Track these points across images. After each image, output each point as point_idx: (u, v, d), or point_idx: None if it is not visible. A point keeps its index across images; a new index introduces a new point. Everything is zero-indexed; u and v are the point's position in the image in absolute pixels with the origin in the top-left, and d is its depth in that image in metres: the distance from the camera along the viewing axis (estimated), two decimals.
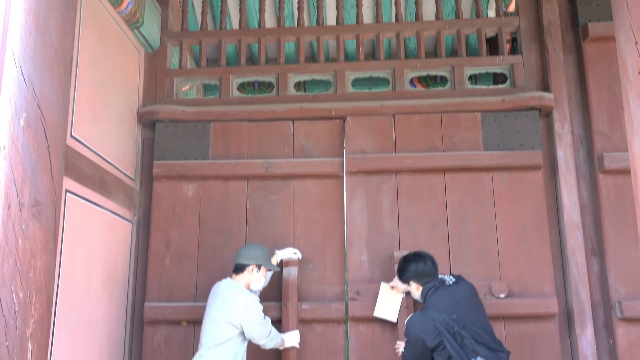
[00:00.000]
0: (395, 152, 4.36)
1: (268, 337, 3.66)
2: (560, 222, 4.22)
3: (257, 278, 3.75)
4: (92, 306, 3.83)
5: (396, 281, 3.87)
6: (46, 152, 3.07)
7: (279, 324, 4.02)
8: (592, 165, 4.26)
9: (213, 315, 3.59)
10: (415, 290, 3.64)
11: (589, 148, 4.29)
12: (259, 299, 3.69)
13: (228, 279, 3.75)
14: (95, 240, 3.91)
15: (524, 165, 4.25)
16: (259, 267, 3.74)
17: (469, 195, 4.24)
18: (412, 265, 3.63)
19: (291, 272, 4.10)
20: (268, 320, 3.68)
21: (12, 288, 2.80)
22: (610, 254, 4.04)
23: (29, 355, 2.87)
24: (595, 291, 4.09)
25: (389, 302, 3.97)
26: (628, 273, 3.95)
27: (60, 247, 3.43)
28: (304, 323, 4.13)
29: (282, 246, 4.22)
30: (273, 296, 4.12)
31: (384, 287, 4.00)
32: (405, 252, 3.92)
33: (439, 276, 3.59)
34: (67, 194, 3.55)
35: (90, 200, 3.84)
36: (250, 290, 3.76)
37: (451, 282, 3.50)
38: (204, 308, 3.77)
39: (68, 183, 3.52)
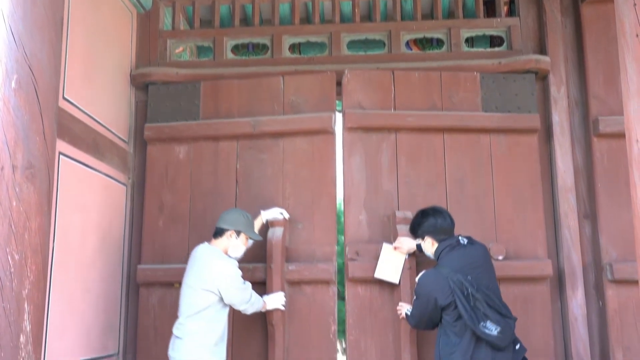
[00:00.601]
0: (395, 109, 4.25)
1: (248, 302, 3.56)
2: (554, 186, 4.24)
3: (235, 244, 3.60)
4: (87, 268, 3.85)
5: (400, 241, 3.77)
6: (38, 114, 3.04)
7: (264, 286, 3.95)
8: (587, 129, 4.26)
9: (190, 281, 3.49)
10: (430, 246, 3.46)
11: (584, 112, 4.29)
12: (237, 263, 3.57)
13: (205, 243, 3.64)
14: (89, 203, 3.91)
15: (522, 129, 4.23)
16: (238, 233, 3.59)
17: (467, 157, 4.21)
18: (430, 220, 3.45)
19: (276, 233, 3.97)
20: (248, 285, 3.57)
21: (7, 250, 2.80)
22: (602, 217, 4.07)
23: (26, 316, 2.90)
24: (587, 254, 4.13)
25: (391, 263, 3.85)
26: (619, 236, 3.99)
27: (54, 209, 3.43)
28: (292, 285, 4.05)
29: (271, 206, 4.11)
30: (260, 257, 4.03)
31: (387, 247, 3.87)
32: (406, 212, 3.86)
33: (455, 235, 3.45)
34: (61, 156, 3.54)
35: (84, 163, 3.83)
36: (229, 256, 3.61)
37: (465, 243, 3.37)
38: None
39: (61, 145, 3.50)
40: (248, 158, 4.31)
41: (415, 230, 3.55)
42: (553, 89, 4.31)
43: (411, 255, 3.82)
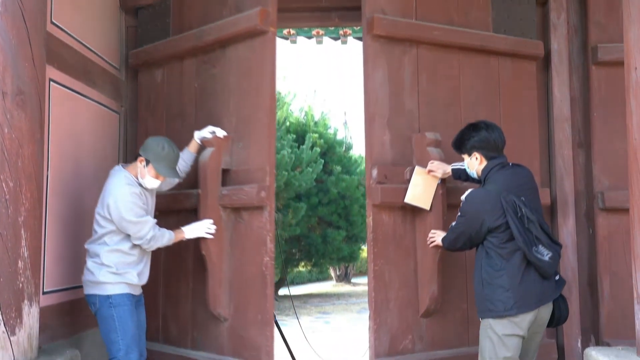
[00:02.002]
0: (416, 19, 3.86)
1: (144, 239, 3.28)
2: (550, 115, 4.22)
3: (143, 174, 3.32)
4: (82, 196, 3.86)
5: (434, 165, 3.49)
6: (26, 39, 2.97)
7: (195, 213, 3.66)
8: (585, 57, 4.20)
9: (97, 206, 3.34)
10: (476, 164, 3.14)
11: (583, 39, 4.21)
12: (138, 193, 3.29)
13: (119, 165, 3.44)
14: (82, 131, 3.88)
15: (526, 55, 4.14)
16: (147, 162, 3.30)
17: (479, 79, 4.03)
18: (483, 133, 3.10)
19: (205, 154, 3.63)
20: (147, 219, 3.28)
21: (2, 177, 2.80)
22: (596, 146, 4.08)
23: (23, 243, 2.93)
24: (579, 183, 4.17)
25: (423, 187, 3.54)
26: (613, 165, 4.01)
27: (47, 137, 3.41)
28: (227, 211, 3.69)
29: (219, 126, 3.72)
30: (194, 183, 3.74)
31: (419, 171, 3.54)
32: (436, 134, 3.63)
33: None
34: (51, 83, 3.48)
35: (75, 90, 3.78)
36: (144, 185, 3.36)
37: (512, 164, 3.12)
38: None
39: (51, 72, 3.44)
40: (203, 74, 3.99)
41: (463, 144, 3.17)
42: (553, 15, 4.21)
43: (443, 180, 3.57)
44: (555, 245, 3.00)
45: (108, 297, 3.25)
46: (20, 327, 2.90)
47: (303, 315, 9.89)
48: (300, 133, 12.07)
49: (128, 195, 3.23)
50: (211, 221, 3.55)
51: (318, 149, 11.47)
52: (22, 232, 2.93)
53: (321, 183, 12.01)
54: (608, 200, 3.96)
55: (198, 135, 3.66)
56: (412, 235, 3.70)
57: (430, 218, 3.56)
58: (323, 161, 11.70)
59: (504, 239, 2.94)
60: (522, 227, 2.89)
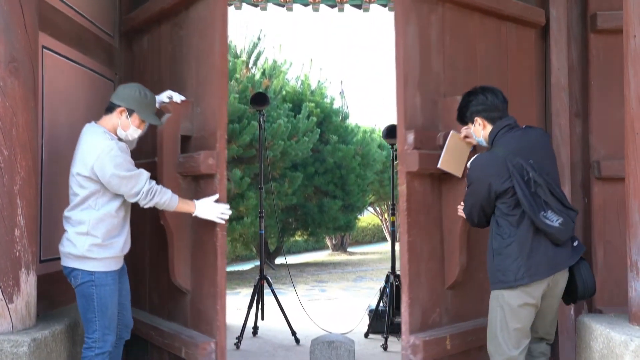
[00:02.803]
0: None
1: (141, 193, 3.03)
2: (547, 83, 4.20)
3: (125, 125, 3.10)
4: None
5: (468, 130, 3.24)
6: (18, 5, 2.94)
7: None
8: (584, 25, 4.15)
9: (71, 167, 3.08)
10: (480, 130, 3.04)
11: (583, 6, 4.16)
12: (123, 145, 3.10)
13: (91, 122, 3.16)
14: (76, 99, 3.85)
15: (530, 21, 4.08)
16: (130, 112, 3.09)
17: (492, 44, 3.93)
18: (479, 97, 3.01)
19: (162, 120, 3.47)
20: (140, 171, 3.05)
21: None
22: (594, 115, 4.06)
23: (19, 211, 2.93)
24: (576, 152, 4.16)
25: (457, 153, 3.38)
26: (609, 134, 4.00)
27: (41, 105, 3.38)
28: (187, 178, 3.59)
29: (183, 91, 3.60)
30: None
31: (454, 136, 3.37)
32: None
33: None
34: (44, 50, 3.44)
35: (69, 58, 3.73)
36: (125, 139, 3.18)
37: (523, 126, 3.00)
38: None
39: (44, 39, 3.39)
40: (175, 37, 3.86)
41: (464, 112, 3.09)
42: None
43: (474, 147, 3.39)
44: (568, 210, 2.83)
45: (91, 273, 3.02)
46: (18, 295, 2.92)
47: (299, 284, 9.97)
48: (296, 102, 12.00)
49: (116, 149, 2.98)
50: (227, 206, 3.31)
51: (314, 118, 11.42)
52: (18, 200, 2.93)
53: (317, 152, 11.99)
54: (604, 169, 3.96)
55: (157, 100, 3.39)
56: (439, 204, 3.59)
57: (459, 186, 3.42)
58: (319, 130, 11.66)
59: (511, 205, 2.81)
60: (529, 191, 2.76)
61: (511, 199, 2.80)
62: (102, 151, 2.96)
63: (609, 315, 3.49)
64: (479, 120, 3.02)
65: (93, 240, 3.01)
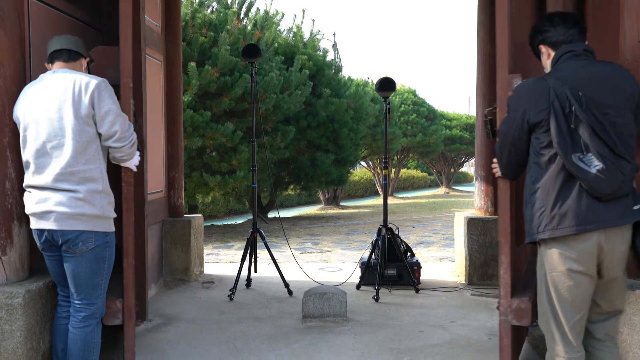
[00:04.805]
0: None
1: (129, 137, 2.83)
2: None
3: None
4: None
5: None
6: None
7: None
8: None
9: (51, 112, 2.69)
10: (545, 59, 2.60)
11: None
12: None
13: (57, 71, 2.80)
14: None
15: None
16: (90, 63, 3.04)
17: None
18: (545, 23, 2.58)
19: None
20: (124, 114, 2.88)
21: None
22: None
23: (9, 164, 2.91)
24: None
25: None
26: None
27: (29, 56, 3.31)
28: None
29: None
30: None
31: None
32: None
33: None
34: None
35: (55, 7, 3.64)
36: None
37: (597, 61, 2.51)
38: None
39: None
40: None
41: (533, 45, 2.66)
42: None
43: None
44: (619, 159, 2.28)
45: (106, 234, 2.80)
46: (10, 247, 2.92)
47: (292, 237, 10.05)
48: (288, 55, 11.86)
49: (108, 84, 2.78)
50: (138, 153, 3.04)
51: (307, 71, 11.30)
52: (8, 152, 2.90)
53: (310, 106, 11.92)
54: None
55: None
56: None
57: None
58: (312, 84, 11.56)
59: (544, 142, 2.39)
60: (567, 126, 2.30)
61: (544, 135, 2.37)
62: (99, 83, 2.73)
63: None
64: (542, 48, 2.59)
65: (108, 198, 2.81)
